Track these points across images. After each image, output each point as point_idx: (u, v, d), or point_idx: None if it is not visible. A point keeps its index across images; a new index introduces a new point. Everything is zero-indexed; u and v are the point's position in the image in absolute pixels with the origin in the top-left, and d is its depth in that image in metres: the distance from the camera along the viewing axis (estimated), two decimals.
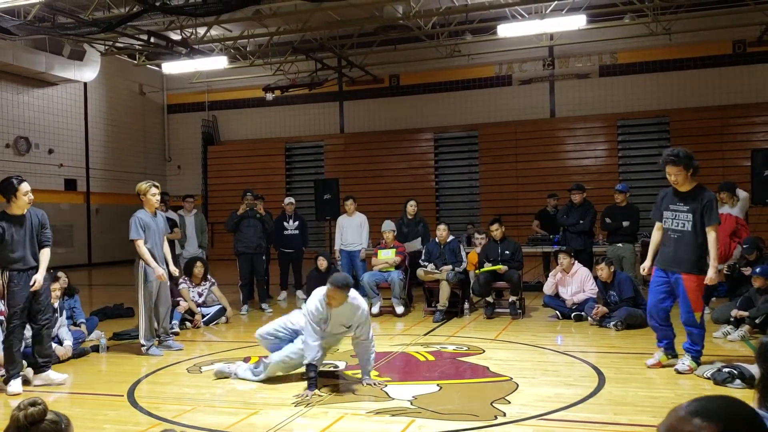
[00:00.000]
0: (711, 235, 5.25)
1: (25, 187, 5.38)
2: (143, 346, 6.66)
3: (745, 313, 6.70)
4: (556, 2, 14.56)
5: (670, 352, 5.59)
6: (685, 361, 5.36)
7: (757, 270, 6.83)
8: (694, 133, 17.05)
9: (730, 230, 8.21)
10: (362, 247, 10.01)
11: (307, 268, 10.04)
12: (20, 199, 5.37)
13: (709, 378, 5.02)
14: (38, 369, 5.57)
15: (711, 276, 5.25)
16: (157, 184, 6.84)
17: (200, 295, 8.58)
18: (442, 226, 8.99)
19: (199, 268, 8.55)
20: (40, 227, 5.55)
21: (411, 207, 9.90)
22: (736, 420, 1.20)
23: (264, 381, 5.35)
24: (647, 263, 5.66)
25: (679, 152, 5.28)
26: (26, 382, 5.49)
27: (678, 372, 5.29)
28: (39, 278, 5.43)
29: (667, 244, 5.42)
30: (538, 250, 10.70)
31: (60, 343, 6.37)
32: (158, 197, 6.84)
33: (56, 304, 6.49)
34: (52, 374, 5.59)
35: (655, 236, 5.60)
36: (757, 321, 6.57)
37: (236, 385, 5.36)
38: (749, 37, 17.02)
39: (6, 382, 5.36)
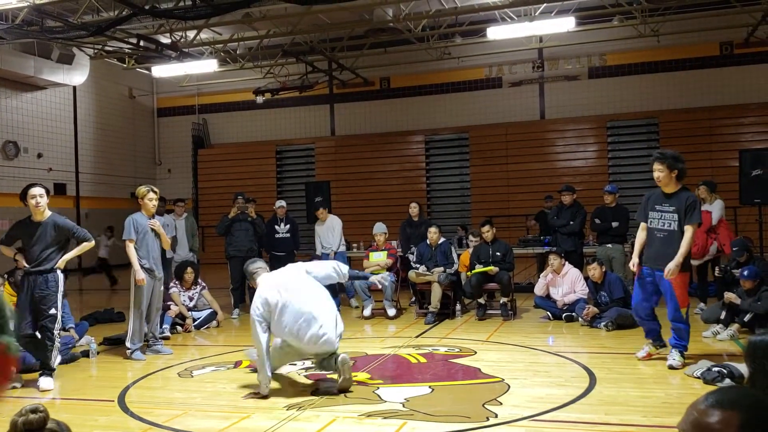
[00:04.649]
0: (688, 232, 5.47)
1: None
2: (128, 349, 6.71)
3: (735, 299, 6.76)
4: (545, 5, 14.60)
5: (658, 342, 5.87)
6: (675, 357, 5.55)
7: (745, 273, 6.88)
8: (683, 134, 17.16)
9: (706, 227, 8.27)
10: (332, 249, 10.02)
11: None
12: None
13: (698, 377, 5.05)
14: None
15: (670, 267, 5.37)
16: (155, 189, 6.89)
17: (191, 299, 8.56)
18: (433, 228, 9.00)
19: (189, 273, 8.54)
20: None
21: (413, 209, 9.92)
22: (756, 407, 1.22)
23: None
24: (635, 259, 5.85)
25: (667, 152, 5.68)
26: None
27: (672, 368, 5.46)
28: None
29: (653, 244, 5.68)
30: (529, 251, 10.74)
31: None
32: (155, 202, 6.87)
33: None
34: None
35: (641, 236, 5.86)
36: (746, 320, 6.62)
37: (227, 389, 5.34)
38: (736, 38, 17.14)
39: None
